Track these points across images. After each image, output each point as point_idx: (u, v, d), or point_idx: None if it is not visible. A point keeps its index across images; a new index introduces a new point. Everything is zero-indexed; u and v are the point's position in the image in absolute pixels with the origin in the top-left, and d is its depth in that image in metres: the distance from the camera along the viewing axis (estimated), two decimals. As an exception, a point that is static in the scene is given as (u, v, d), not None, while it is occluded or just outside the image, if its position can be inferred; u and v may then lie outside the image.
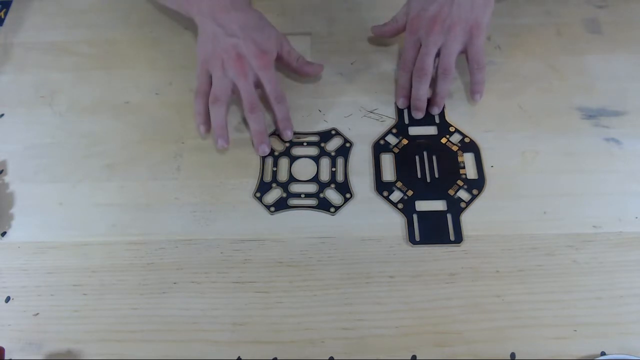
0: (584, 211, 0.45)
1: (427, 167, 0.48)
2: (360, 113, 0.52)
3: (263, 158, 0.50)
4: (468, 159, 0.49)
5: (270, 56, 0.49)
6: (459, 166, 0.48)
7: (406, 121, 0.51)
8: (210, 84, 0.49)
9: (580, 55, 0.55)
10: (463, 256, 0.44)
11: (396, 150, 0.49)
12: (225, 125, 0.49)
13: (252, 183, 0.48)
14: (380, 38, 0.56)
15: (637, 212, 0.45)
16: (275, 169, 0.49)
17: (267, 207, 0.47)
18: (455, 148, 0.49)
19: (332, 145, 0.50)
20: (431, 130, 0.51)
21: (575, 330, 0.40)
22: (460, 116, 0.51)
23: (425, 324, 0.41)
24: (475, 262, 0.43)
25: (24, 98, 0.55)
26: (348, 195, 0.47)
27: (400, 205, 0.46)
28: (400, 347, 0.40)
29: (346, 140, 0.50)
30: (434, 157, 0.49)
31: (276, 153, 0.50)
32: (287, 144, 0.50)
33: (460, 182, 0.47)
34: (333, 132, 0.51)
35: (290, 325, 0.41)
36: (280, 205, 0.47)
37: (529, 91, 0.53)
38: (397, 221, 0.46)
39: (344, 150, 0.50)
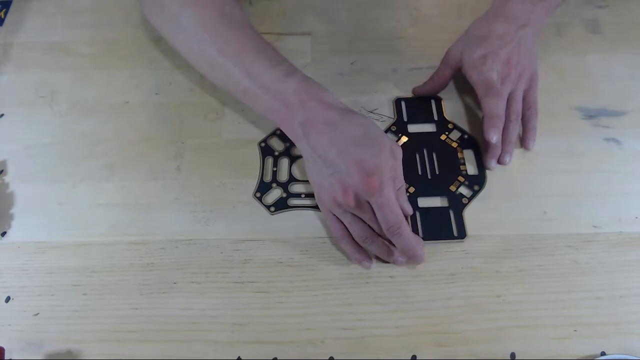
0: (584, 211, 0.45)
1: (428, 164, 0.48)
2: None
3: (263, 158, 0.50)
4: (468, 155, 0.49)
5: (378, 177, 0.38)
6: (460, 162, 0.48)
7: (405, 119, 0.51)
8: (340, 220, 0.43)
9: (580, 55, 0.55)
10: (463, 256, 0.44)
11: (396, 149, 0.49)
12: (391, 251, 0.42)
13: (252, 183, 0.48)
14: (425, 92, 0.53)
15: (637, 212, 0.45)
16: (275, 169, 0.49)
17: (267, 207, 0.47)
18: (454, 145, 0.49)
19: (332, 145, 0.50)
20: (430, 127, 0.51)
21: (575, 330, 0.40)
22: (460, 116, 0.51)
23: (425, 324, 0.41)
24: (475, 262, 0.43)
25: (24, 98, 0.55)
26: (348, 195, 0.47)
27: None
28: (400, 347, 0.40)
29: (346, 140, 0.50)
30: (434, 154, 0.49)
31: (276, 153, 0.50)
32: (287, 144, 0.50)
33: (461, 179, 0.47)
34: (333, 132, 0.51)
35: (290, 325, 0.41)
36: (280, 205, 0.47)
37: (529, 91, 0.52)
38: (397, 221, 0.46)
39: (344, 150, 0.50)
